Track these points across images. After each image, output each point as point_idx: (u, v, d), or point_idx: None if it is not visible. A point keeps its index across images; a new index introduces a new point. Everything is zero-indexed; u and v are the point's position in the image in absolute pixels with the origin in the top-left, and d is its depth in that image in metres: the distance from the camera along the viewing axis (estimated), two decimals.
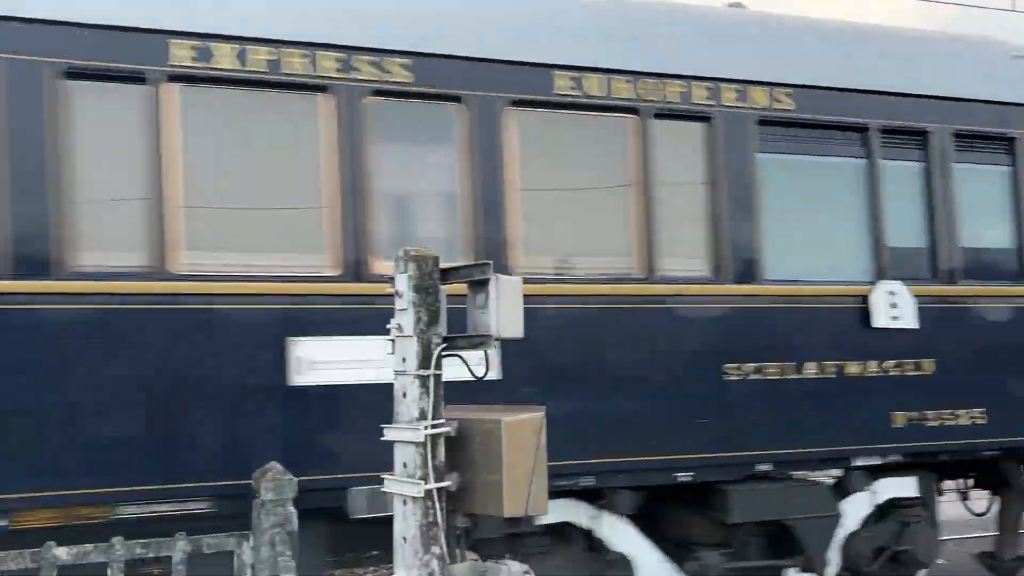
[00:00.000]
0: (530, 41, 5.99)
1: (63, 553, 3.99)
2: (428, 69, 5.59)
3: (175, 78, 5.10)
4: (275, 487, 4.11)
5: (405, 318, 3.92)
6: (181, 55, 5.12)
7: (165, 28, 5.11)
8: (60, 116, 4.91)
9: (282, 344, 5.13)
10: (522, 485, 3.93)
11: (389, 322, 3.95)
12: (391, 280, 3.98)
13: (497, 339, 3.88)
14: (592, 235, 6.03)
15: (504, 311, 3.88)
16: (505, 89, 5.75)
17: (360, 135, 5.41)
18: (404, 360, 3.94)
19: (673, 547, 6.23)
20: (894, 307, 6.50)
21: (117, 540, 4.05)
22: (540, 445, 3.99)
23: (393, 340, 3.97)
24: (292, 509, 4.12)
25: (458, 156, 5.67)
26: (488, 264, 3.90)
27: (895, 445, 6.56)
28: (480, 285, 3.92)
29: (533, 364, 5.54)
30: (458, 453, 4.00)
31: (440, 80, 5.62)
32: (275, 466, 4.17)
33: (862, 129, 6.66)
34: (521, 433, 3.95)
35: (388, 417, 4.01)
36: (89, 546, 4.07)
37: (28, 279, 4.77)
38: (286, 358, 5.13)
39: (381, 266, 5.22)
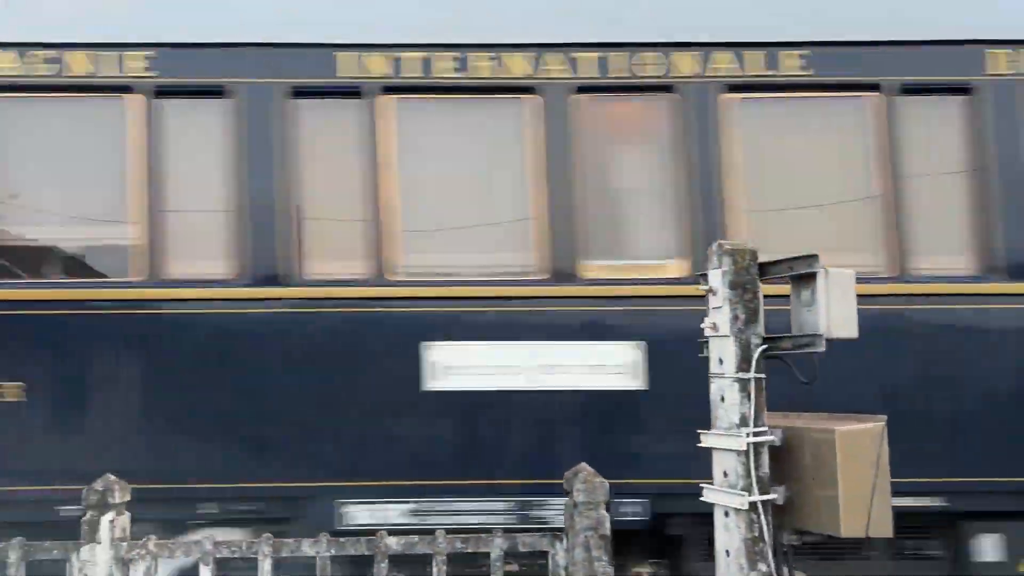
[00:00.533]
0: None
1: (393, 543, 4.15)
2: None
3: None
4: (586, 489, 3.97)
5: (720, 316, 3.56)
6: None
7: None
8: None
9: None
10: (861, 502, 3.47)
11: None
12: (703, 276, 3.62)
13: (828, 339, 3.41)
14: None
15: (835, 308, 3.39)
16: None
17: None
18: (721, 361, 3.59)
19: None
20: None
21: (439, 532, 4.14)
22: (882, 457, 3.49)
23: (707, 340, 3.64)
24: (604, 512, 3.96)
25: None
26: (815, 256, 3.40)
27: None
28: (805, 280, 3.45)
29: None
30: (784, 464, 3.61)
31: None
32: (585, 467, 4.02)
33: None
34: (858, 444, 3.48)
35: None
36: (415, 537, 4.21)
37: None
38: None
39: None
